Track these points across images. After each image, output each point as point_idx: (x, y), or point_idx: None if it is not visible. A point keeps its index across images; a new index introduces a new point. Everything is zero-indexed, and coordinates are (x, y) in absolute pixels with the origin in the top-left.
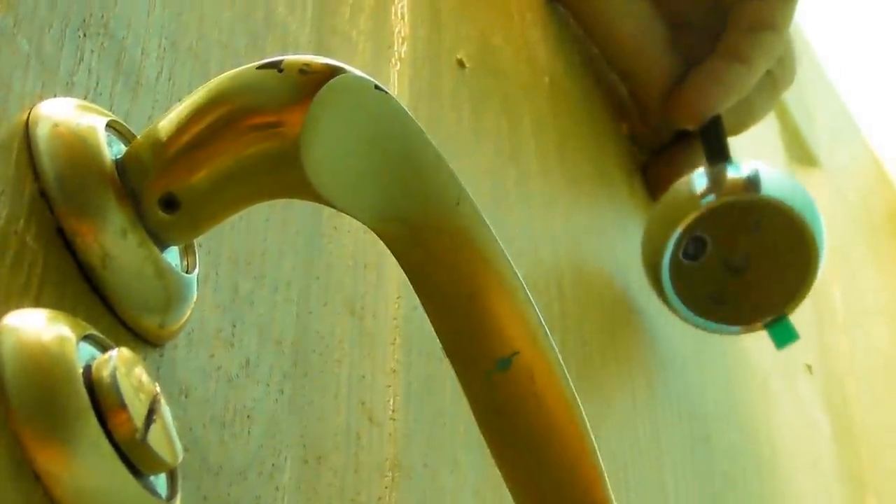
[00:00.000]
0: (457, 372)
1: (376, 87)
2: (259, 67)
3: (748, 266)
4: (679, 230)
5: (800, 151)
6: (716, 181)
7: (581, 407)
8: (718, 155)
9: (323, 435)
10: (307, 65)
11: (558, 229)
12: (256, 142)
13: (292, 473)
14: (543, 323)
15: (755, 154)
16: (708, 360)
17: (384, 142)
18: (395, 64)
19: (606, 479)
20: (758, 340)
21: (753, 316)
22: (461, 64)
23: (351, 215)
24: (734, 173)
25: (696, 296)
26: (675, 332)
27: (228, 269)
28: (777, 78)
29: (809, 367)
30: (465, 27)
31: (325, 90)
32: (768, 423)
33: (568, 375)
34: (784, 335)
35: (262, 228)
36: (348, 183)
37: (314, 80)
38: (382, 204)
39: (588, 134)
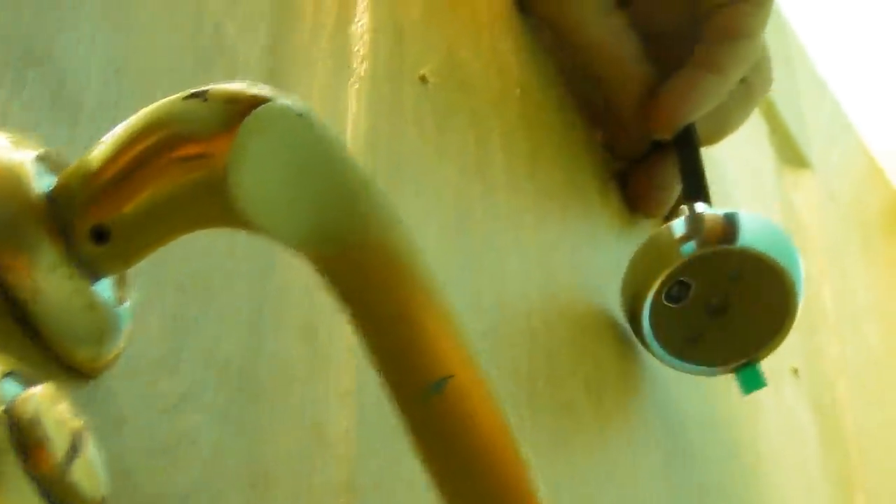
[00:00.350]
0: (391, 394)
1: (301, 113)
2: (185, 98)
3: (727, 309)
4: (658, 282)
5: (791, 153)
6: (694, 230)
7: (513, 427)
8: (691, 163)
9: (273, 458)
10: (232, 94)
11: (527, 243)
12: (184, 172)
13: (238, 498)
14: (473, 343)
15: (744, 158)
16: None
17: (310, 167)
18: (355, 82)
19: (543, 498)
20: None
21: (726, 358)
22: (424, 80)
23: (281, 242)
24: (713, 220)
25: (674, 337)
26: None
27: (173, 296)
28: (753, 85)
29: (796, 371)
30: (429, 42)
31: (251, 119)
32: (753, 430)
33: (498, 397)
34: (752, 381)
35: (209, 253)
36: (277, 210)
37: (239, 110)
38: (310, 228)
39: (561, 145)
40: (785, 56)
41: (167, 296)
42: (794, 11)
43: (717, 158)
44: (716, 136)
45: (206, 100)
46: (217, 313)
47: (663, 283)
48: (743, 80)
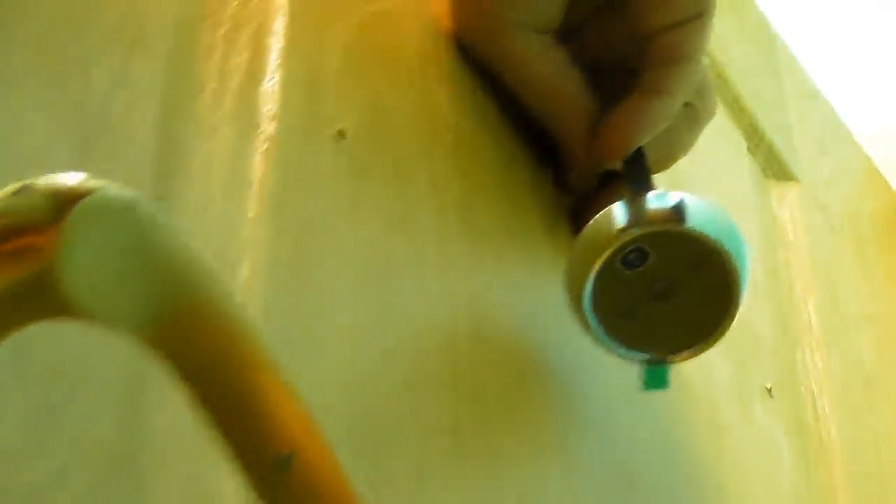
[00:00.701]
0: (237, 472)
1: (128, 202)
2: (13, 193)
3: (671, 298)
4: (604, 258)
5: (776, 167)
6: (639, 211)
7: (362, 497)
8: (641, 185)
9: None
10: (59, 186)
11: (457, 290)
12: (14, 266)
13: None
14: (313, 416)
15: (719, 178)
16: (640, 398)
17: (139, 254)
18: (263, 144)
19: None
20: (702, 369)
21: (648, 346)
22: (342, 134)
23: (115, 329)
24: (659, 203)
25: (609, 308)
26: (599, 374)
27: (39, 381)
28: (698, 109)
29: (769, 390)
30: (350, 94)
31: (77, 210)
32: (716, 459)
33: (344, 470)
34: (657, 381)
35: (81, 333)
36: (108, 298)
37: (66, 202)
38: (142, 313)
39: (500, 186)
40: (772, 67)
41: (32, 382)
42: (785, 22)
43: (688, 181)
44: (665, 162)
45: (33, 193)
46: (89, 394)
47: (617, 251)
48: (687, 105)
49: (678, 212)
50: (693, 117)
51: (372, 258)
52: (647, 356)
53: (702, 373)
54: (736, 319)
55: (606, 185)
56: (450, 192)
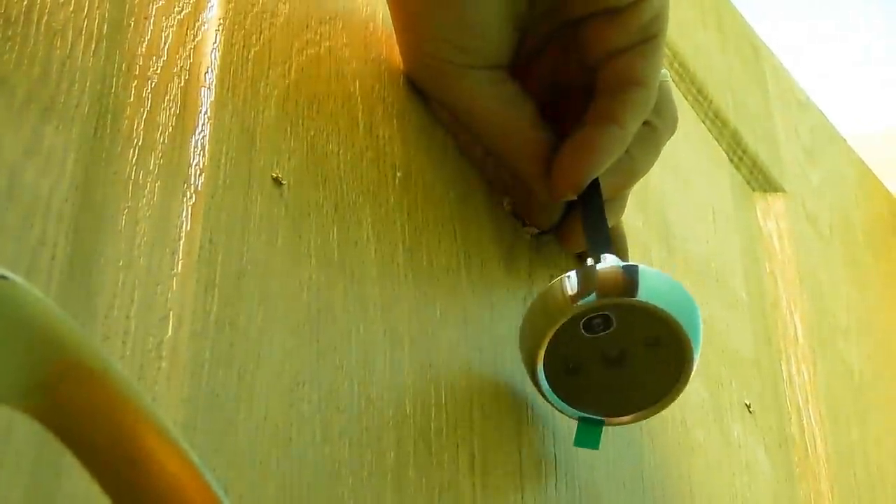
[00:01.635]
0: None
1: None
2: None
3: (622, 364)
4: (556, 327)
5: (761, 179)
6: (589, 281)
7: None
8: (596, 219)
9: None
10: None
11: (401, 330)
12: None
13: None
14: (209, 474)
15: (703, 190)
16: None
17: (16, 328)
18: (191, 198)
19: None
20: None
21: (589, 404)
22: (277, 182)
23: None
24: (611, 273)
25: (557, 363)
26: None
27: None
28: (657, 127)
29: (748, 406)
30: (287, 142)
31: None
32: (687, 479)
33: None
34: (587, 438)
35: None
36: None
37: None
38: (23, 385)
39: (453, 222)
40: (757, 77)
41: None
42: (773, 28)
43: (667, 199)
44: (625, 184)
45: None
46: None
47: (574, 319)
48: (646, 124)
49: (631, 283)
50: (652, 136)
51: (310, 305)
52: (583, 414)
53: None
54: (695, 365)
55: (572, 216)
56: (396, 232)
